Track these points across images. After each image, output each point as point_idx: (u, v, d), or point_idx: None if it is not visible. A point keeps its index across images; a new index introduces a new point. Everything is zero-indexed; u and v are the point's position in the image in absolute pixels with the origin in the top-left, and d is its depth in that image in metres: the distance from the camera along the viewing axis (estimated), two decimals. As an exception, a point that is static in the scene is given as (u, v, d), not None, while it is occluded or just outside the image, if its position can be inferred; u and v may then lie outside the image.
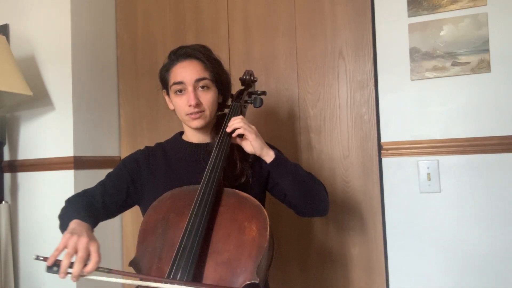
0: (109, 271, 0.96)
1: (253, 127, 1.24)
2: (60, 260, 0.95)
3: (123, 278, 1.01)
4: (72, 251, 0.96)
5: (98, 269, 0.96)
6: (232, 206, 1.13)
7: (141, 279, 1.03)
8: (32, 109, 2.03)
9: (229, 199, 1.15)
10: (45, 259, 0.96)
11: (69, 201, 1.23)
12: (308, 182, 1.26)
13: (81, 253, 0.96)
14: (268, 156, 1.23)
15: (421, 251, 1.58)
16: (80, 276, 0.95)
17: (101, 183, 1.30)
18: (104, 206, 1.24)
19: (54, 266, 0.96)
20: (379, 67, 1.67)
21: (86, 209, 1.17)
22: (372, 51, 1.74)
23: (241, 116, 1.25)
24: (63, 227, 1.10)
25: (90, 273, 0.95)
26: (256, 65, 1.92)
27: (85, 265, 0.96)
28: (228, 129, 1.23)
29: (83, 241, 0.97)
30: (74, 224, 1.07)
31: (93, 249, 0.97)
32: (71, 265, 0.95)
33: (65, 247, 0.97)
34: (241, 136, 1.25)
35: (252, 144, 1.21)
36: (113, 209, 1.28)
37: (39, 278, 1.98)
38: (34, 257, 0.96)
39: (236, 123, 1.22)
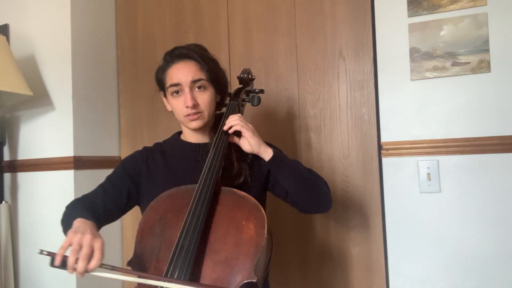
0: (113, 268, 0.97)
1: (250, 125, 1.23)
2: (66, 256, 0.96)
3: (123, 275, 1.01)
4: (77, 247, 0.96)
5: (101, 266, 0.97)
6: (229, 205, 1.13)
7: (139, 277, 1.03)
8: (32, 109, 2.04)
9: (226, 198, 1.15)
10: (49, 253, 0.97)
11: (69, 206, 1.23)
12: (310, 178, 1.25)
13: (85, 250, 0.96)
14: (267, 153, 1.22)
15: (421, 251, 1.57)
16: (85, 272, 0.96)
17: (101, 187, 1.29)
18: (105, 210, 1.23)
19: None
20: (379, 67, 1.66)
21: (88, 210, 1.17)
22: (372, 51, 1.74)
23: (238, 114, 1.25)
24: (67, 228, 1.08)
25: (93, 269, 0.96)
26: (256, 65, 1.92)
27: (88, 261, 0.96)
28: (225, 127, 1.23)
29: (87, 238, 0.98)
30: (77, 222, 1.07)
31: (96, 246, 0.98)
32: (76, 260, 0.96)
33: (69, 245, 0.97)
34: (238, 135, 1.25)
35: (249, 142, 1.21)
36: (115, 212, 1.27)
37: (39, 278, 1.98)
38: (38, 251, 0.97)
39: (232, 121, 1.22)
